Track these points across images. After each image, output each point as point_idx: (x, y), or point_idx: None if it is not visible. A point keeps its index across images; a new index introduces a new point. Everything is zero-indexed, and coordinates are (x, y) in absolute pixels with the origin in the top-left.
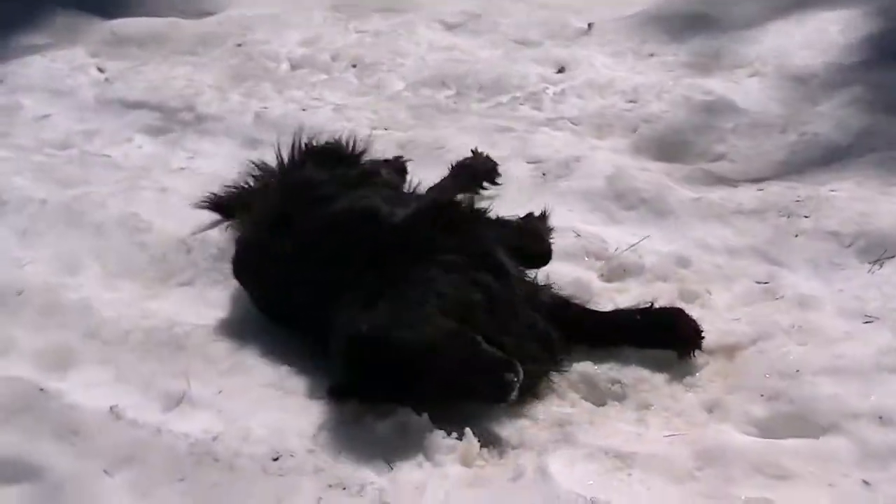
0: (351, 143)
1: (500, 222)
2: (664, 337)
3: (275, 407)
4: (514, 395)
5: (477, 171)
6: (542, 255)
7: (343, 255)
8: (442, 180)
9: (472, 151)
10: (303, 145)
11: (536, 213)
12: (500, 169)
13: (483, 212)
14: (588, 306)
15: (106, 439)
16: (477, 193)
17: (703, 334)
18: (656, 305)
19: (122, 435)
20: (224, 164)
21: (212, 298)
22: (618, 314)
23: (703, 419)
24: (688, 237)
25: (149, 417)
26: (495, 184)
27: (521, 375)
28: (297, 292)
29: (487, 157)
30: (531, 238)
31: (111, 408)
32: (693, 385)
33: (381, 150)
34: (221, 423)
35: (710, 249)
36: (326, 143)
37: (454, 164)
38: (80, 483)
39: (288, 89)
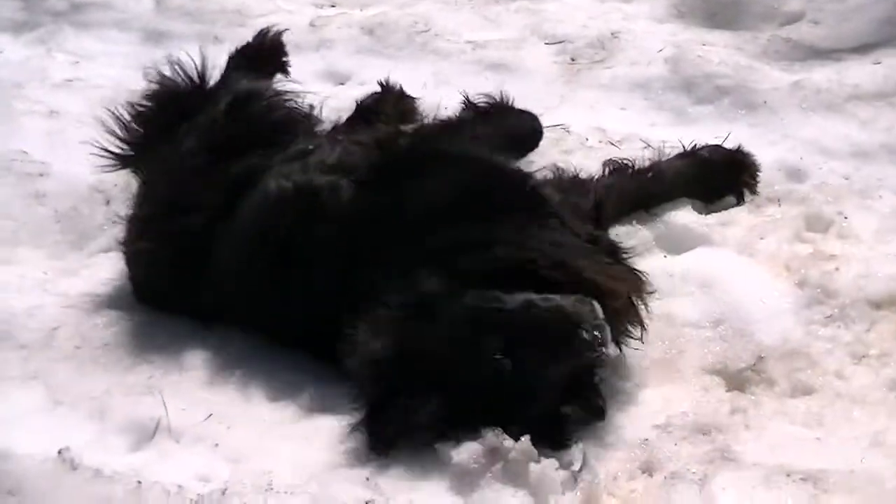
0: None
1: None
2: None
3: (294, 435)
4: (606, 347)
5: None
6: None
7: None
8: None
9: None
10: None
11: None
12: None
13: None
14: None
15: (61, 501)
16: None
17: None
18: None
19: (85, 493)
20: (125, 69)
21: None
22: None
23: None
24: (795, 138)
25: (117, 462)
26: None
27: (601, 314)
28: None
29: None
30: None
31: (59, 451)
32: (863, 354)
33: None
34: (225, 465)
35: (829, 153)
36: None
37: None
38: None
39: None
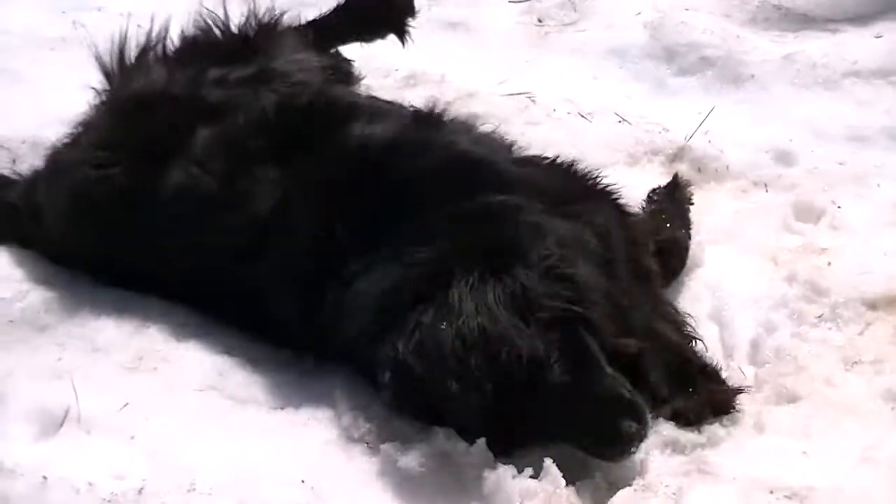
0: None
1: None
2: None
3: (221, 427)
4: (634, 449)
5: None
6: None
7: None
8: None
9: None
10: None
11: None
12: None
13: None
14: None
15: None
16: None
17: None
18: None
19: None
20: (37, 13)
21: None
22: None
23: (890, 418)
24: (785, 117)
25: (20, 453)
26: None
27: (648, 427)
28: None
29: None
30: None
31: None
32: (855, 360)
33: None
34: (143, 460)
35: (822, 135)
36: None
37: None
38: None
39: None
